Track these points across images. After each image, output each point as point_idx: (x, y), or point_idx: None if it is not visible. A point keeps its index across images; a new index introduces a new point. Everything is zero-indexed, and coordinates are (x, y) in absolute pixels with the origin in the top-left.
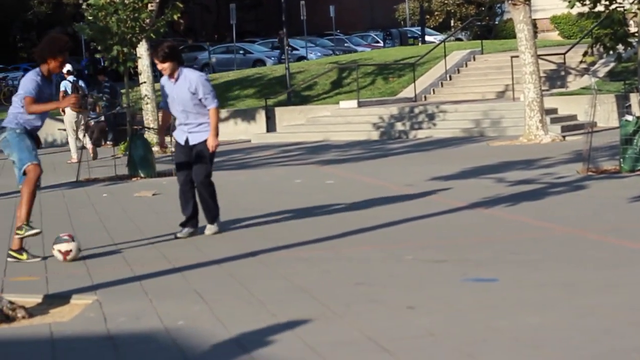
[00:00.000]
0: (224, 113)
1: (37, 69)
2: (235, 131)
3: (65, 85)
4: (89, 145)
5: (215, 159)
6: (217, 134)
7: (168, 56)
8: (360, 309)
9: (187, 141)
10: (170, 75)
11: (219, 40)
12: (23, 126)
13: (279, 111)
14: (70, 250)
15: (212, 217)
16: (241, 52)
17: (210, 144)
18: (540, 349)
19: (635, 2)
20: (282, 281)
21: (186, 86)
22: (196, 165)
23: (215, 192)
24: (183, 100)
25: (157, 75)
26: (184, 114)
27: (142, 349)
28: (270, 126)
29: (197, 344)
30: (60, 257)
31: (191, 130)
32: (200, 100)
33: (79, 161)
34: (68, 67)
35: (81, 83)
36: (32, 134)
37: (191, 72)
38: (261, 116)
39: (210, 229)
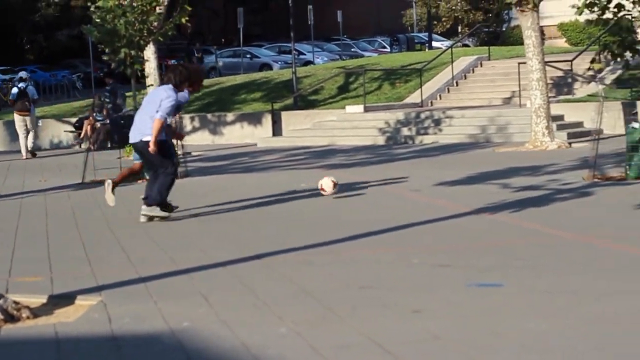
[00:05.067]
0: (230, 117)
1: (173, 93)
2: (241, 135)
3: (14, 91)
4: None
5: (222, 162)
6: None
7: None
8: (365, 312)
9: None
10: None
11: (226, 44)
12: None
13: (285, 115)
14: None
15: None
16: (248, 56)
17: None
18: (545, 354)
19: None
20: (288, 284)
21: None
22: None
23: None
24: None
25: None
26: None
27: (147, 350)
28: (277, 130)
29: (202, 346)
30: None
31: None
32: None
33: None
34: (22, 73)
35: (29, 89)
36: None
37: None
38: (267, 120)
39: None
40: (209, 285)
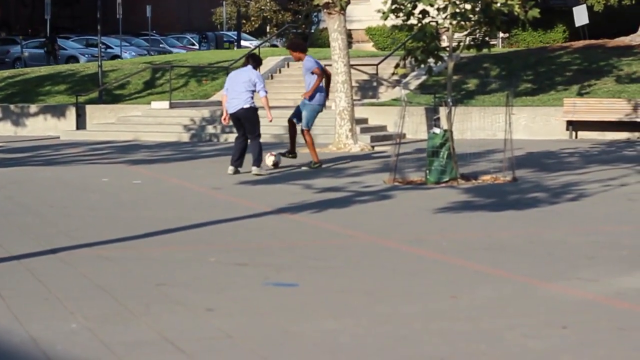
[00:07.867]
0: (33, 108)
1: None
2: (44, 127)
3: None
4: None
5: (23, 154)
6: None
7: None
8: (159, 310)
9: None
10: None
11: (33, 34)
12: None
13: (89, 109)
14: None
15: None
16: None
17: None
18: (336, 354)
19: (448, 16)
20: (82, 279)
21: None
22: None
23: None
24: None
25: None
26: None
27: None
28: (80, 124)
29: None
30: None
31: None
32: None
33: None
34: None
35: None
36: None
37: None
38: (71, 113)
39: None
40: (2, 278)
